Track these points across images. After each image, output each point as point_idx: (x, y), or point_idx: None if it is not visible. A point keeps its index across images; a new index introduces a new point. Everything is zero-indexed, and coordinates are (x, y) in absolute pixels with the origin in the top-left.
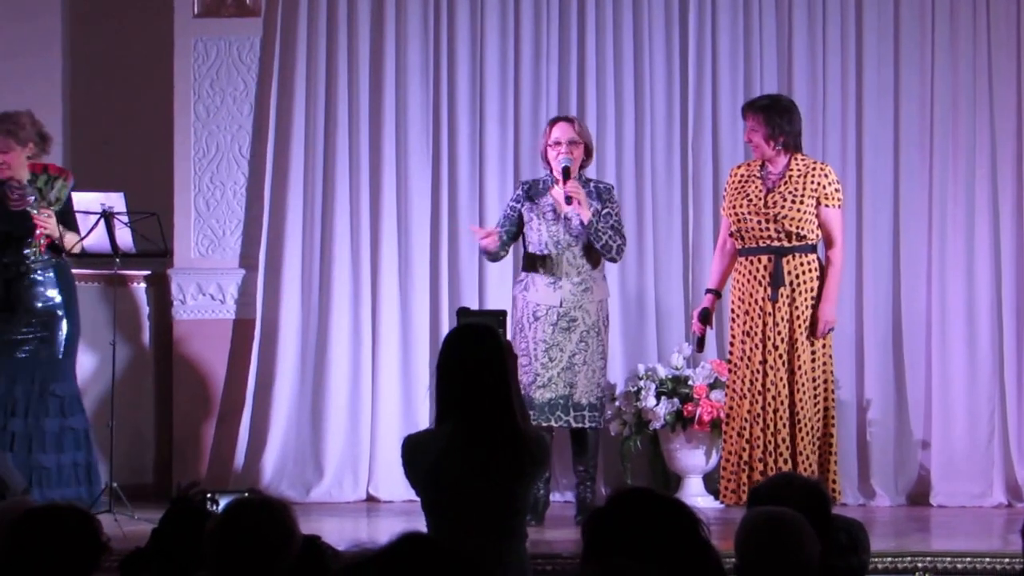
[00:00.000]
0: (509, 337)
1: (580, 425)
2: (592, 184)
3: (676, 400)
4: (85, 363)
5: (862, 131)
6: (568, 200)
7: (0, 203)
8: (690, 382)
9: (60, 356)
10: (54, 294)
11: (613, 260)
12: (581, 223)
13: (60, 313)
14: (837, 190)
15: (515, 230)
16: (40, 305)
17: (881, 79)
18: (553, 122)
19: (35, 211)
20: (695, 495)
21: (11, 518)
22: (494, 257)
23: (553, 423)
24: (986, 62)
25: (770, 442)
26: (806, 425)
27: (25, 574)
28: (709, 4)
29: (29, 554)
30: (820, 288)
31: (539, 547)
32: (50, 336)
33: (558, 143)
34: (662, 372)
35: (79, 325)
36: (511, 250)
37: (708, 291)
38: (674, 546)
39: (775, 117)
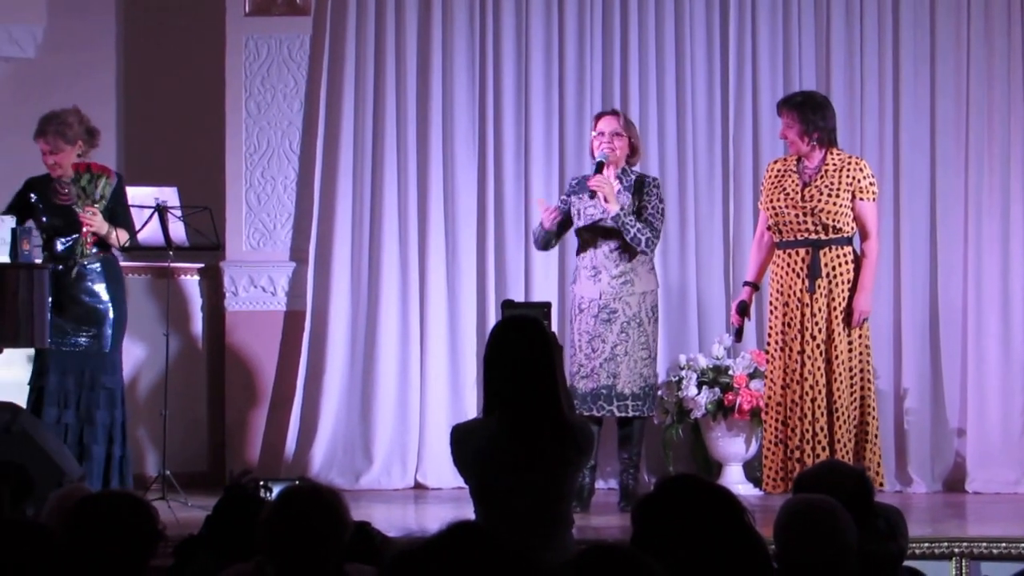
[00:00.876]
0: (554, 329)
1: (624, 414)
2: (635, 177)
3: (717, 389)
4: (139, 354)
5: (899, 125)
6: (592, 194)
7: (48, 198)
8: (730, 372)
9: (107, 349)
10: (101, 288)
11: (644, 252)
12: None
13: (107, 307)
14: (872, 184)
15: (567, 221)
16: (88, 299)
17: (917, 74)
18: (599, 116)
19: (80, 209)
20: (735, 483)
21: (70, 504)
22: (545, 245)
23: (595, 412)
24: (1020, 56)
25: (807, 430)
26: (844, 413)
27: (84, 560)
28: (749, 1)
29: (88, 540)
30: (856, 279)
31: (585, 533)
32: (98, 330)
33: (601, 134)
34: (703, 362)
35: (126, 319)
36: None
37: (746, 284)
38: (721, 532)
39: (808, 113)
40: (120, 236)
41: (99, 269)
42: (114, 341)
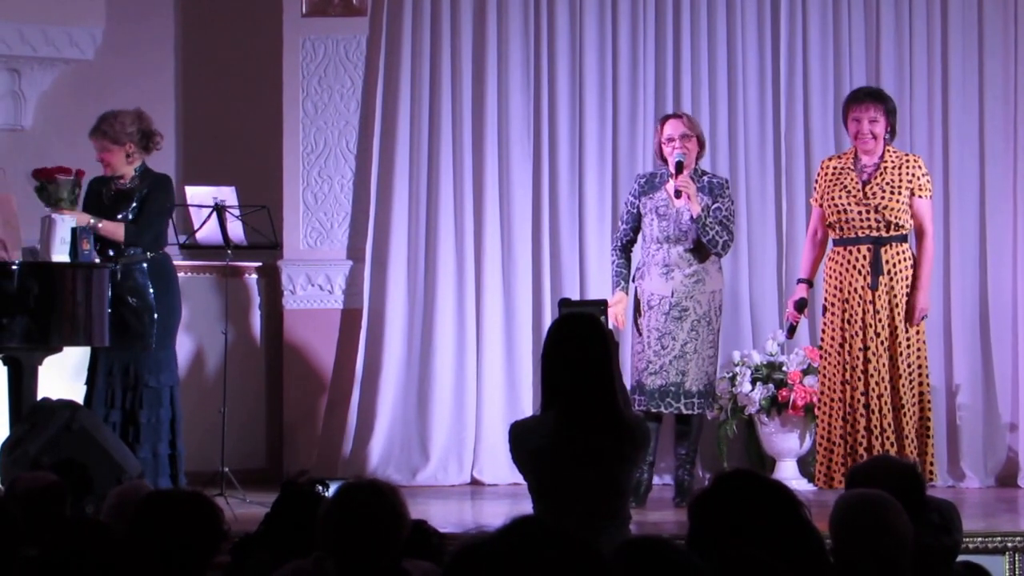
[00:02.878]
0: (610, 326)
1: (690, 411)
2: (707, 178)
3: (771, 385)
4: (198, 352)
5: (948, 121)
6: (678, 194)
7: (102, 198)
8: (784, 368)
9: (152, 348)
10: (147, 288)
11: (719, 255)
12: (691, 217)
13: (152, 306)
14: (928, 181)
15: (638, 224)
16: (133, 298)
17: (966, 72)
18: (664, 120)
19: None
20: (789, 478)
21: (133, 502)
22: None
23: (663, 409)
24: None
25: (876, 426)
26: (909, 409)
27: (147, 558)
28: (800, 2)
29: (152, 538)
30: (914, 276)
31: (644, 528)
32: (142, 329)
33: (671, 139)
34: (757, 358)
35: (174, 317)
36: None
37: (800, 281)
38: (778, 526)
39: (891, 104)
40: (112, 229)
41: (145, 268)
42: (159, 340)
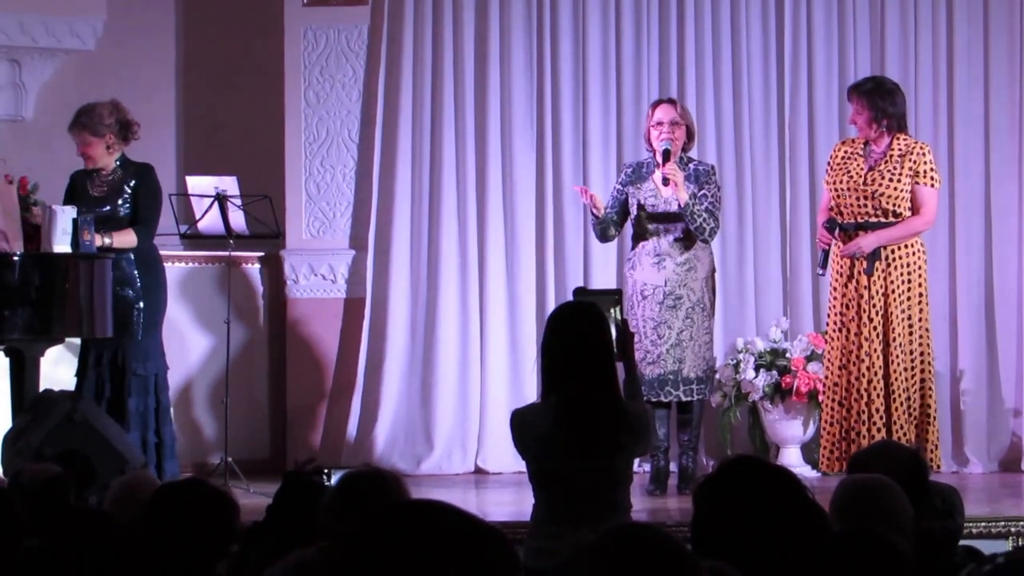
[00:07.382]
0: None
1: (689, 398)
2: (693, 165)
3: (774, 372)
4: (201, 342)
5: (953, 108)
6: (665, 182)
7: (86, 189)
8: (787, 355)
9: (139, 337)
10: (134, 277)
11: (705, 242)
12: (679, 204)
13: (136, 296)
14: (933, 169)
15: (622, 211)
16: (119, 288)
17: (971, 57)
18: (656, 104)
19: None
20: (793, 465)
21: (140, 491)
22: (604, 236)
23: (664, 398)
24: None
25: (863, 411)
26: (901, 395)
27: (157, 550)
28: None
29: (168, 529)
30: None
31: (647, 515)
32: (127, 318)
33: (660, 124)
34: (760, 345)
35: (160, 306)
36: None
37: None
38: (783, 511)
39: (878, 100)
40: (123, 239)
41: (131, 258)
42: (145, 328)
